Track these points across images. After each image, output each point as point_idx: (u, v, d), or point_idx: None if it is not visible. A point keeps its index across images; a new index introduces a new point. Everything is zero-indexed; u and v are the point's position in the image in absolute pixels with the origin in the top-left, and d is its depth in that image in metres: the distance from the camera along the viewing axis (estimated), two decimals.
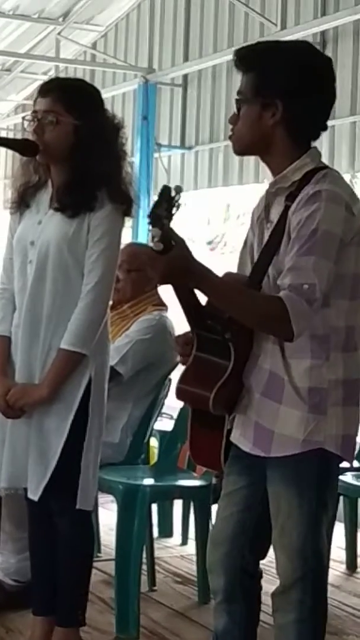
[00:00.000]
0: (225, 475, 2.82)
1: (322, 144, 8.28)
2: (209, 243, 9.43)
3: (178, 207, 2.45)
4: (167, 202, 2.44)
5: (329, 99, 2.72)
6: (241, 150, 2.77)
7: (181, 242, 2.49)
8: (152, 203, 2.47)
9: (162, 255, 2.46)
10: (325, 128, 2.74)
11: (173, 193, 2.45)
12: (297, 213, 2.59)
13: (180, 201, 2.46)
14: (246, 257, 2.83)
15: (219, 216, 10.08)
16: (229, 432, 2.76)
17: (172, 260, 2.47)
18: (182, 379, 2.70)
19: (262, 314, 2.60)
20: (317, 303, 2.55)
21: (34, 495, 3.27)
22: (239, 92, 2.72)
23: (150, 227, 2.45)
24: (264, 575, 2.87)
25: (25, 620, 3.72)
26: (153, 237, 2.44)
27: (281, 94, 2.64)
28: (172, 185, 2.48)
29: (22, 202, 3.39)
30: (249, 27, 9.28)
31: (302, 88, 2.65)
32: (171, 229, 2.46)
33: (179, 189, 2.46)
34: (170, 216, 2.44)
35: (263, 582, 2.87)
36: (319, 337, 2.62)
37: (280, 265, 2.62)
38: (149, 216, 2.44)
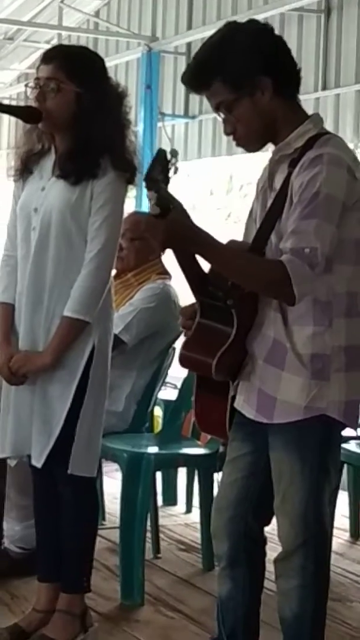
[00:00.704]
0: (230, 442, 2.84)
1: (326, 112, 8.26)
2: (216, 210, 9.42)
3: (175, 170, 2.44)
4: (162, 165, 2.42)
5: (286, 46, 2.71)
6: (256, 146, 2.75)
7: (179, 206, 2.48)
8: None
9: (160, 220, 2.44)
10: (299, 72, 2.73)
11: (169, 156, 2.44)
12: (299, 177, 2.59)
13: (176, 164, 2.44)
14: (252, 226, 2.82)
15: (222, 187, 10.05)
16: (233, 398, 2.77)
17: (170, 224, 2.46)
18: (185, 346, 2.70)
19: (263, 278, 2.60)
20: (319, 267, 2.55)
21: (38, 462, 3.28)
22: (219, 104, 2.67)
23: (147, 191, 2.42)
24: (269, 542, 2.89)
25: (30, 587, 3.74)
26: (150, 200, 2.43)
27: (259, 70, 2.64)
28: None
29: (25, 170, 3.38)
30: None
31: (270, 50, 2.66)
32: (168, 193, 2.45)
33: (174, 152, 2.45)
34: (166, 179, 2.43)
35: (267, 549, 2.88)
36: (321, 304, 2.62)
37: (282, 230, 2.62)
38: (145, 179, 2.43)
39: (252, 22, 2.77)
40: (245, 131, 2.69)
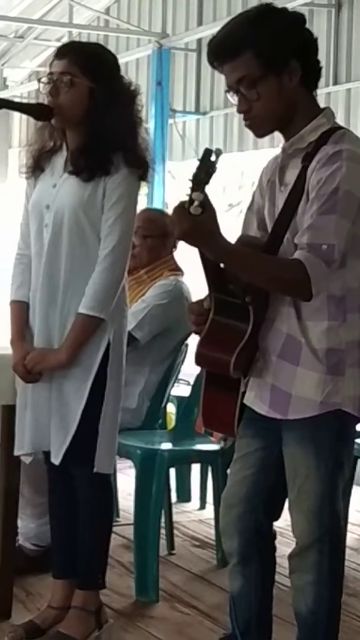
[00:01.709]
0: (239, 438, 2.83)
1: (337, 107, 8.24)
2: (229, 208, 9.41)
3: (215, 170, 2.43)
4: (207, 166, 2.42)
5: (315, 42, 2.70)
6: (268, 130, 2.71)
7: (213, 210, 2.48)
8: (195, 165, 2.42)
9: (191, 216, 2.43)
10: (321, 69, 2.73)
11: (213, 157, 2.43)
12: (317, 172, 2.57)
13: (217, 165, 2.43)
14: (252, 218, 2.81)
15: (234, 183, 10.04)
16: (243, 394, 2.76)
17: (200, 222, 2.44)
18: (201, 344, 2.69)
19: (283, 280, 2.60)
20: (335, 264, 2.55)
21: (56, 459, 3.29)
22: (242, 78, 2.61)
23: (191, 191, 2.41)
24: (280, 537, 2.89)
25: (45, 584, 3.76)
26: (193, 201, 2.41)
27: (293, 52, 2.62)
28: (213, 147, 2.45)
29: (37, 167, 3.38)
30: None
31: (304, 39, 2.66)
32: (207, 195, 2.45)
33: (219, 152, 2.43)
34: (208, 181, 2.43)
35: (279, 545, 2.89)
36: (335, 299, 2.62)
37: (298, 228, 2.61)
38: (192, 179, 2.41)
39: (287, 10, 2.73)
40: (263, 111, 2.64)
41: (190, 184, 2.42)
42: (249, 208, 2.84)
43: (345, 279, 2.62)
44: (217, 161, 2.43)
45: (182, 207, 2.45)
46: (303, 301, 2.60)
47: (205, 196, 2.44)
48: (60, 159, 3.35)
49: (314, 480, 2.65)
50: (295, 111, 2.67)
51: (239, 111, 2.68)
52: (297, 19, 2.69)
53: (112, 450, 3.36)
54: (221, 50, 2.66)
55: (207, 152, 2.43)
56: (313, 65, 2.69)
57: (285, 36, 2.62)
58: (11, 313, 3.40)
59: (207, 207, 2.44)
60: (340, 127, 2.68)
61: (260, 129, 2.71)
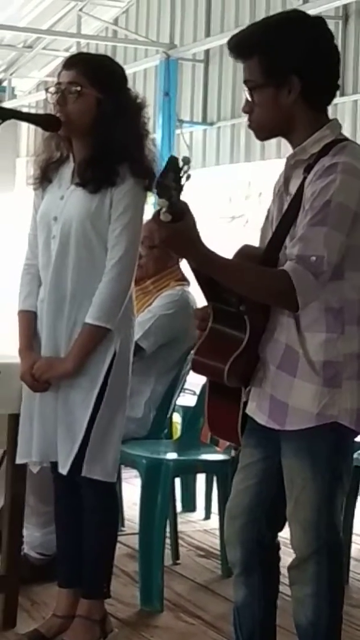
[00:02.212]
0: (242, 448, 2.83)
1: (344, 118, 8.26)
2: (231, 220, 9.41)
3: (187, 177, 2.43)
4: (174, 172, 2.41)
5: (335, 59, 2.70)
6: (265, 136, 2.74)
7: (191, 219, 2.48)
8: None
9: (167, 225, 2.44)
10: (338, 87, 2.73)
11: (181, 163, 2.43)
12: (313, 184, 2.58)
13: (189, 172, 2.43)
14: (268, 229, 2.82)
15: (241, 194, 10.06)
16: (245, 404, 2.77)
17: (177, 229, 2.46)
18: (198, 351, 2.70)
19: (268, 290, 2.59)
20: (324, 275, 2.54)
21: (63, 469, 3.30)
22: (246, 81, 2.67)
23: (157, 198, 2.43)
24: (284, 548, 2.89)
25: (50, 593, 3.76)
26: (161, 208, 2.43)
27: (293, 69, 2.62)
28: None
29: (44, 178, 3.40)
30: (270, 1, 9.23)
31: (312, 56, 2.63)
32: (182, 201, 2.45)
33: (186, 160, 2.43)
34: (179, 187, 2.42)
35: (283, 555, 2.88)
36: (333, 311, 2.62)
37: (295, 236, 2.62)
38: (156, 186, 2.43)
39: (318, 21, 2.71)
40: (259, 118, 2.68)
41: (156, 192, 2.44)
42: (266, 219, 2.86)
43: (343, 291, 2.62)
44: (187, 168, 2.43)
45: (156, 216, 2.46)
46: (291, 312, 2.60)
47: (180, 203, 2.44)
48: (67, 170, 3.37)
49: (310, 492, 2.65)
50: (293, 124, 2.68)
51: (243, 111, 2.72)
52: (313, 34, 2.66)
53: (109, 457, 3.34)
54: (236, 48, 2.69)
55: (173, 160, 2.44)
56: (321, 84, 2.67)
57: (289, 51, 2.62)
58: (19, 323, 3.42)
59: (184, 214, 2.45)
60: (344, 139, 2.68)
61: (258, 132, 2.74)
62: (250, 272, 2.63)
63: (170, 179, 2.41)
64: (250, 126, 2.72)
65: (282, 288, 2.53)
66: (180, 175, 2.42)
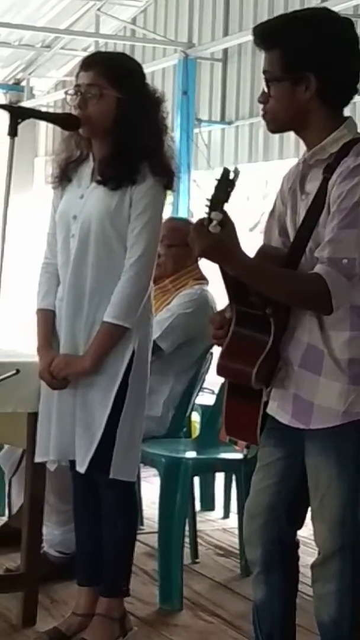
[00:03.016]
0: (261, 448, 2.83)
1: (357, 116, 8.23)
2: (252, 229, 9.43)
3: (233, 189, 2.45)
4: (225, 184, 2.44)
5: (356, 61, 2.69)
6: (277, 128, 2.74)
7: (233, 227, 2.49)
8: (213, 185, 2.44)
9: (210, 233, 2.45)
10: (356, 91, 2.72)
11: (232, 176, 2.45)
12: (338, 186, 2.58)
13: (236, 184, 2.45)
14: (273, 225, 2.82)
15: (259, 193, 10.05)
16: (265, 404, 2.77)
17: (220, 239, 2.46)
18: (222, 356, 2.70)
19: (303, 294, 2.60)
20: (356, 278, 2.55)
21: (81, 467, 3.30)
22: (265, 71, 2.68)
23: (209, 210, 2.43)
24: (303, 547, 2.89)
25: (70, 591, 3.77)
26: (212, 220, 2.43)
27: (312, 67, 2.62)
28: (231, 167, 2.46)
29: (64, 177, 3.41)
30: (289, 0, 9.21)
31: (332, 56, 2.62)
32: (226, 212, 2.46)
33: (237, 172, 2.45)
34: (227, 199, 2.44)
35: (302, 554, 2.88)
36: (357, 309, 2.62)
37: (319, 239, 2.62)
38: (210, 199, 2.43)
39: (345, 22, 2.71)
40: (273, 110, 2.68)
41: (207, 203, 2.45)
42: (271, 215, 2.85)
43: None
44: (236, 180, 2.45)
45: (201, 225, 2.47)
46: (324, 315, 2.61)
47: (225, 214, 2.45)
48: (87, 169, 3.37)
49: (336, 490, 2.65)
50: (307, 121, 2.68)
51: (258, 101, 2.72)
52: (338, 35, 2.66)
53: (132, 457, 3.36)
54: (260, 37, 2.69)
55: (226, 172, 2.46)
56: (339, 85, 2.66)
57: (309, 49, 2.62)
58: (38, 321, 3.43)
59: (226, 224, 2.46)
60: None
61: (270, 124, 2.73)
62: (284, 277, 2.64)
63: (222, 191, 2.42)
64: (264, 116, 2.72)
65: (318, 291, 2.53)
66: (231, 187, 2.43)
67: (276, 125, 2.73)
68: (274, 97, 2.66)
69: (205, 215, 2.45)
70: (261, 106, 2.72)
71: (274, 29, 2.69)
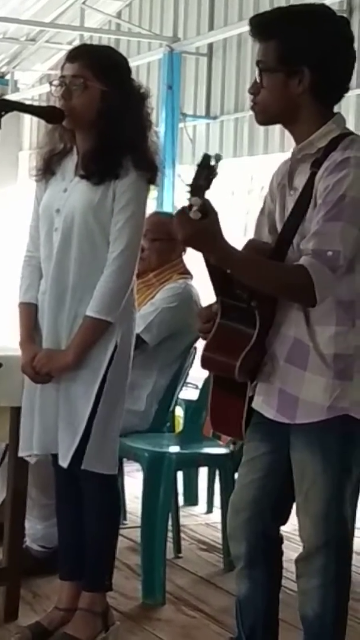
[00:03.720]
0: (246, 442, 2.83)
1: (348, 111, 8.25)
2: (236, 211, 9.43)
3: (215, 175, 2.44)
4: (206, 170, 2.43)
5: (351, 60, 2.70)
6: (265, 120, 2.75)
7: (215, 215, 2.48)
8: (192, 171, 2.44)
9: (193, 221, 2.44)
10: (347, 90, 2.73)
11: (213, 162, 2.44)
12: (325, 179, 2.58)
13: (217, 170, 2.44)
14: (264, 222, 2.82)
15: (244, 188, 10.06)
16: (251, 399, 2.77)
17: (202, 226, 2.45)
18: (207, 347, 2.70)
19: (286, 285, 2.60)
20: (340, 270, 2.55)
21: (64, 461, 3.29)
22: (259, 62, 2.68)
23: (190, 196, 2.42)
24: (287, 542, 2.89)
25: (52, 586, 3.77)
26: (192, 206, 2.42)
27: (308, 61, 2.62)
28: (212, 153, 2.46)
29: (47, 170, 3.39)
30: None
31: (329, 53, 2.63)
32: (207, 200, 2.45)
33: (218, 157, 2.44)
34: (208, 186, 2.43)
35: (286, 549, 2.89)
36: (344, 304, 2.62)
37: (306, 233, 2.62)
38: (190, 185, 2.43)
39: (341, 20, 2.72)
40: (264, 101, 2.68)
41: (188, 189, 2.44)
42: (261, 211, 2.85)
43: (355, 284, 2.63)
44: (217, 166, 2.44)
45: (182, 213, 2.46)
46: (307, 307, 2.60)
47: (206, 201, 2.44)
48: (70, 163, 3.36)
49: (321, 485, 2.65)
50: (297, 115, 2.68)
51: (249, 91, 2.72)
52: (334, 32, 2.66)
53: (108, 450, 3.33)
54: (256, 28, 2.69)
55: (206, 157, 2.45)
56: (331, 80, 2.66)
57: (308, 44, 2.62)
58: (20, 315, 3.41)
59: (208, 212, 2.45)
60: (351, 133, 2.68)
61: (259, 115, 2.73)
62: (268, 267, 2.64)
63: (202, 177, 2.41)
64: (253, 108, 2.72)
65: (300, 283, 2.53)
66: (212, 173, 2.42)
67: (265, 117, 2.73)
68: (266, 88, 2.66)
69: (187, 203, 2.44)
70: (247, 101, 2.73)
71: (273, 20, 2.69)
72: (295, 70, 2.63)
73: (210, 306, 2.74)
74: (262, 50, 2.68)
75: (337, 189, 2.55)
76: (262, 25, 2.69)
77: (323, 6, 2.81)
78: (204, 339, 2.73)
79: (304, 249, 2.56)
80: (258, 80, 2.67)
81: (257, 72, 2.68)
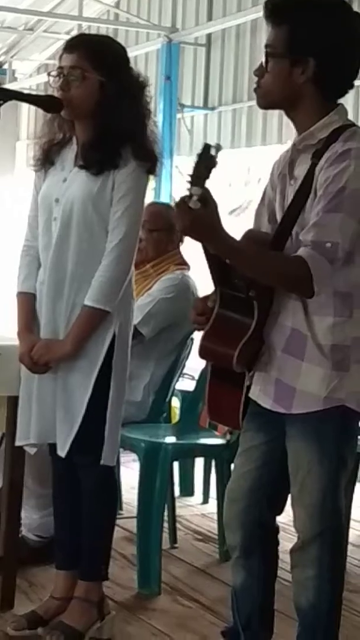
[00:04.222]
0: (243, 432, 2.84)
1: (347, 103, 8.23)
2: (233, 212, 9.40)
3: (215, 165, 2.44)
4: (206, 160, 2.43)
5: (358, 57, 2.69)
6: (267, 104, 2.75)
7: (214, 204, 2.48)
8: (192, 160, 2.44)
9: (193, 210, 2.44)
10: (352, 86, 2.72)
11: (213, 151, 2.44)
12: (325, 171, 2.58)
13: (217, 160, 2.44)
14: (263, 211, 2.83)
15: (241, 179, 10.05)
16: (248, 388, 2.77)
17: (202, 216, 2.45)
18: (205, 337, 2.70)
19: (285, 276, 2.61)
20: (338, 262, 2.56)
21: (62, 451, 3.30)
22: (267, 45, 2.67)
23: (190, 186, 2.42)
24: (282, 532, 2.90)
25: (48, 575, 3.77)
26: (192, 195, 2.42)
27: (314, 52, 2.62)
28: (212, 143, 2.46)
29: (46, 160, 3.39)
30: None
31: (336, 46, 2.63)
32: (207, 190, 2.45)
33: (219, 147, 2.44)
34: (208, 175, 2.43)
35: (282, 540, 2.90)
36: (342, 295, 2.63)
37: (305, 223, 2.62)
38: (190, 174, 2.43)
39: (356, 16, 2.70)
40: (267, 85, 2.68)
41: (188, 179, 2.44)
42: (261, 201, 2.86)
43: (353, 275, 2.63)
44: (217, 156, 2.44)
45: (182, 202, 2.46)
46: (305, 297, 2.61)
47: (206, 191, 2.44)
48: (70, 153, 3.36)
49: (316, 475, 2.66)
50: (299, 103, 2.67)
51: (254, 73, 2.72)
52: (347, 26, 2.65)
53: (115, 442, 3.37)
54: (271, 10, 2.69)
55: (206, 147, 2.45)
56: (335, 73, 2.66)
57: (316, 34, 2.62)
58: (18, 305, 3.41)
59: (208, 202, 2.45)
60: (352, 125, 2.68)
61: (261, 99, 2.73)
62: (267, 257, 2.64)
63: (202, 167, 2.41)
64: (255, 90, 2.72)
65: (298, 274, 2.54)
66: (212, 162, 2.41)
67: (267, 101, 2.72)
68: (271, 72, 2.66)
69: (187, 192, 2.44)
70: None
71: (288, 5, 2.68)
72: (300, 59, 2.63)
73: (205, 298, 2.74)
74: (272, 35, 2.67)
75: (337, 181, 2.55)
76: (276, 9, 2.68)
77: (345, 3, 2.78)
78: (198, 330, 2.74)
79: (303, 239, 2.57)
80: (264, 63, 2.67)
81: (264, 55, 2.67)
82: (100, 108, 3.24)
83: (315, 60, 2.62)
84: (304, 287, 2.55)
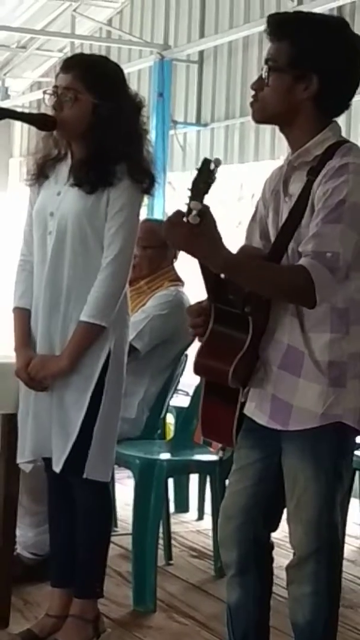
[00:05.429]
0: (237, 449, 2.83)
1: (339, 119, 8.25)
2: (226, 218, 9.44)
3: (214, 180, 2.43)
4: (206, 174, 2.42)
5: (358, 77, 2.71)
6: (263, 119, 2.73)
7: (213, 220, 2.47)
8: (192, 176, 2.43)
9: (188, 226, 2.43)
10: (348, 106, 2.73)
11: (212, 166, 2.43)
12: (324, 185, 2.58)
13: (216, 175, 2.43)
14: (255, 228, 2.82)
15: (234, 195, 10.06)
16: (242, 405, 2.77)
17: (200, 231, 2.43)
18: (200, 353, 2.69)
19: (287, 286, 2.59)
20: (339, 272, 2.54)
21: (57, 467, 3.30)
22: (269, 59, 2.66)
23: (190, 201, 2.41)
24: (277, 549, 2.89)
25: (43, 593, 3.76)
26: (191, 210, 2.41)
27: (318, 68, 2.62)
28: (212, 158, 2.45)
29: (40, 174, 3.39)
30: (264, 3, 9.23)
31: (341, 65, 2.63)
32: (206, 205, 2.45)
33: (218, 162, 2.43)
34: (207, 190, 2.43)
35: (277, 556, 2.89)
36: (338, 311, 2.62)
37: (301, 239, 2.61)
38: (190, 189, 2.42)
39: (356, 37, 2.70)
40: (266, 99, 2.67)
41: (188, 193, 2.43)
42: (252, 218, 2.85)
43: (349, 291, 2.63)
44: (216, 171, 2.43)
45: (179, 217, 2.44)
46: (307, 308, 2.60)
47: (204, 206, 2.44)
48: (64, 167, 3.36)
49: (312, 492, 2.65)
50: (295, 119, 2.67)
51: (251, 87, 2.71)
52: (350, 46, 2.65)
53: (107, 458, 3.36)
54: (273, 25, 2.69)
55: (206, 162, 2.44)
56: (336, 92, 2.66)
57: (322, 52, 2.62)
58: (14, 320, 3.41)
59: (206, 217, 2.45)
60: (346, 141, 2.69)
61: (257, 112, 2.72)
62: (268, 269, 2.63)
63: (201, 182, 2.41)
64: (252, 104, 2.70)
65: (300, 283, 2.52)
66: (211, 177, 2.41)
67: (263, 115, 2.71)
68: (272, 87, 2.65)
69: (185, 207, 2.43)
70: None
71: (291, 21, 2.69)
72: (304, 76, 2.63)
73: (199, 302, 2.73)
74: (274, 50, 2.66)
75: (336, 194, 2.55)
76: (278, 24, 2.68)
77: (342, 19, 2.81)
78: (196, 334, 2.72)
79: (303, 250, 2.56)
80: (264, 76, 2.66)
81: (264, 69, 2.66)
82: (93, 129, 3.25)
83: (318, 77, 2.63)
84: (306, 297, 2.54)
